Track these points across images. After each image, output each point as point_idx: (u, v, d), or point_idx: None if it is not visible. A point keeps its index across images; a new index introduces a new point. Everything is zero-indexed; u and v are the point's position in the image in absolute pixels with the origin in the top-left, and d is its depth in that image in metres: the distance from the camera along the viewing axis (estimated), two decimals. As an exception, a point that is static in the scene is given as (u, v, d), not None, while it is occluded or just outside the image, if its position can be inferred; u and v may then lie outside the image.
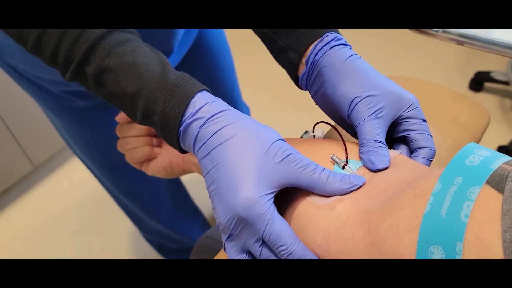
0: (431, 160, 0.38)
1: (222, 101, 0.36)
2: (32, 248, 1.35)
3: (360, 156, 0.36)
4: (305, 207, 0.33)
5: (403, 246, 0.24)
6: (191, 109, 0.34)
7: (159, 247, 1.13)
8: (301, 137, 0.59)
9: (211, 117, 0.34)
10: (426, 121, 0.39)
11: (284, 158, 0.32)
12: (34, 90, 0.65)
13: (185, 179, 1.04)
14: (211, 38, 0.79)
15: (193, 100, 0.34)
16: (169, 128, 0.35)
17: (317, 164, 0.32)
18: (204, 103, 0.34)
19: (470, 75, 1.78)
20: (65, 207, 1.46)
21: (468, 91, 1.74)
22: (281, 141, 0.33)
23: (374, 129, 0.36)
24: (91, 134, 0.74)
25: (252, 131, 0.33)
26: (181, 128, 0.35)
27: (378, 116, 0.37)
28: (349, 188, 0.31)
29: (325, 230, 0.30)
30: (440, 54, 1.87)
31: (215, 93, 0.37)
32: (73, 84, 0.62)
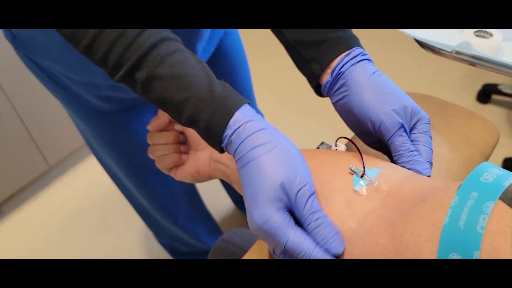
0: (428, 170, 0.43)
1: (261, 117, 0.40)
2: (45, 246, 1.38)
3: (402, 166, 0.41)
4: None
5: (425, 253, 0.28)
6: (234, 121, 0.38)
7: (171, 251, 1.17)
8: (318, 147, 0.62)
9: (250, 134, 0.37)
10: (431, 138, 0.44)
11: (303, 195, 0.35)
12: (60, 92, 0.69)
13: (198, 184, 1.08)
14: (231, 46, 0.83)
15: (236, 113, 0.38)
16: (213, 135, 0.39)
17: (325, 216, 0.35)
18: (246, 120, 0.38)
19: (477, 87, 1.81)
20: (78, 206, 1.50)
21: (475, 103, 1.77)
22: (307, 174, 0.36)
23: (406, 141, 0.41)
24: (115, 137, 0.77)
25: (285, 155, 0.37)
26: (223, 135, 0.39)
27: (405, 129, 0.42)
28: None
29: (349, 238, 0.34)
30: (448, 66, 1.90)
31: None
32: (103, 87, 0.65)
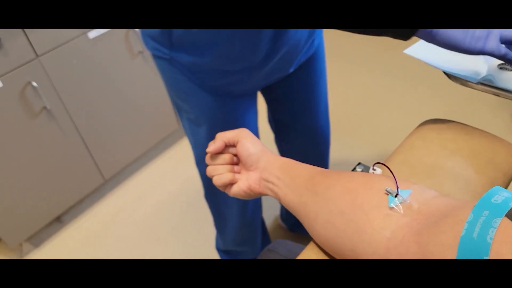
0: None
1: None
2: (101, 253, 1.51)
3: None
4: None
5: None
6: None
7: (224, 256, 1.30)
8: (354, 168, 0.69)
9: None
10: None
11: None
12: (189, 84, 0.83)
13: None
14: (321, 53, 0.96)
15: None
16: None
17: None
18: None
19: (513, 105, 1.80)
20: (130, 217, 1.62)
21: (511, 119, 1.76)
22: None
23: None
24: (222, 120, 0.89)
25: None
26: None
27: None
28: None
29: (386, 245, 0.41)
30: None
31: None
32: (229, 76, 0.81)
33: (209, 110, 0.88)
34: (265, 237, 1.31)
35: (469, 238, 0.34)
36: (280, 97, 1.01)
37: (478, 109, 1.85)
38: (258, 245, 1.25)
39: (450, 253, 0.35)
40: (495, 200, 0.36)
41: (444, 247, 0.36)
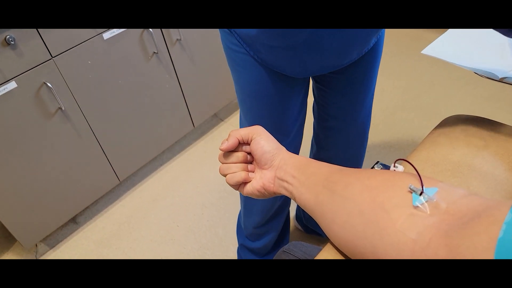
0: None
1: None
2: (116, 253, 1.51)
3: None
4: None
5: None
6: None
7: (241, 247, 1.32)
8: (373, 167, 0.66)
9: None
10: None
11: None
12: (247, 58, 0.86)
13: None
14: (381, 45, 0.94)
15: None
16: None
17: None
18: None
19: (540, 102, 1.74)
20: (144, 218, 1.61)
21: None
22: None
23: None
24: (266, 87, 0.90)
25: None
26: None
27: None
28: None
29: (411, 248, 0.38)
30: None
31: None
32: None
33: (258, 84, 0.90)
34: (286, 229, 1.31)
35: (508, 241, 0.31)
36: (333, 87, 1.00)
37: (499, 108, 1.79)
38: (278, 232, 1.26)
39: (484, 257, 0.32)
40: None
41: (478, 251, 0.32)
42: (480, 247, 0.32)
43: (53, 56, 1.26)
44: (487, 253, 0.32)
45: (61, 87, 1.31)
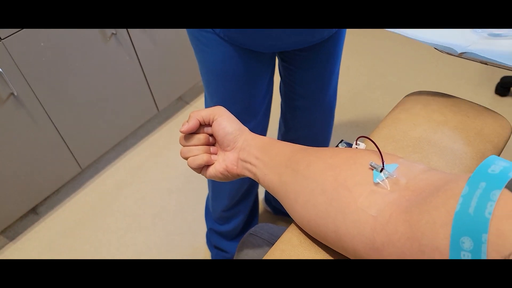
0: None
1: None
2: (81, 243, 1.46)
3: None
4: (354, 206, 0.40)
5: (439, 239, 0.31)
6: None
7: (209, 231, 1.31)
8: (337, 145, 0.66)
9: None
10: None
11: None
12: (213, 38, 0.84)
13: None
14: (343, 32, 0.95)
15: None
16: None
17: None
18: None
19: (496, 80, 1.80)
20: (109, 206, 1.57)
21: (494, 96, 1.76)
22: None
23: None
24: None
25: None
26: None
27: None
28: None
29: (372, 225, 0.37)
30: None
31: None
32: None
33: (225, 63, 0.88)
34: (255, 211, 1.31)
35: (465, 213, 0.31)
36: (300, 65, 0.99)
37: (461, 86, 1.84)
38: (247, 214, 1.26)
39: (443, 232, 0.32)
40: (492, 171, 0.32)
41: (437, 225, 0.32)
42: (439, 221, 0.32)
43: (1, 38, 1.18)
44: (445, 227, 0.31)
45: (12, 71, 1.23)
